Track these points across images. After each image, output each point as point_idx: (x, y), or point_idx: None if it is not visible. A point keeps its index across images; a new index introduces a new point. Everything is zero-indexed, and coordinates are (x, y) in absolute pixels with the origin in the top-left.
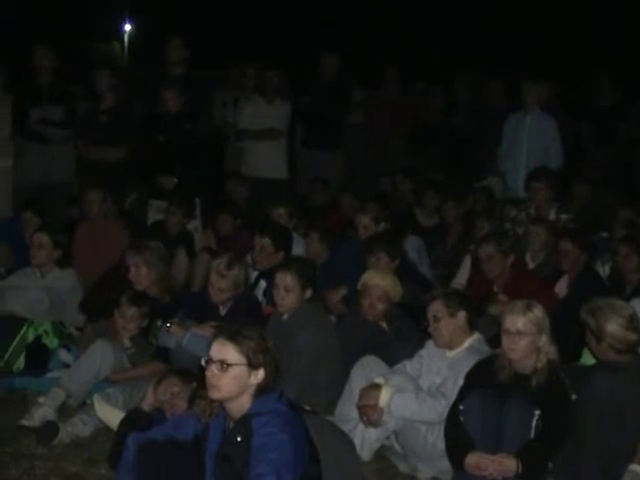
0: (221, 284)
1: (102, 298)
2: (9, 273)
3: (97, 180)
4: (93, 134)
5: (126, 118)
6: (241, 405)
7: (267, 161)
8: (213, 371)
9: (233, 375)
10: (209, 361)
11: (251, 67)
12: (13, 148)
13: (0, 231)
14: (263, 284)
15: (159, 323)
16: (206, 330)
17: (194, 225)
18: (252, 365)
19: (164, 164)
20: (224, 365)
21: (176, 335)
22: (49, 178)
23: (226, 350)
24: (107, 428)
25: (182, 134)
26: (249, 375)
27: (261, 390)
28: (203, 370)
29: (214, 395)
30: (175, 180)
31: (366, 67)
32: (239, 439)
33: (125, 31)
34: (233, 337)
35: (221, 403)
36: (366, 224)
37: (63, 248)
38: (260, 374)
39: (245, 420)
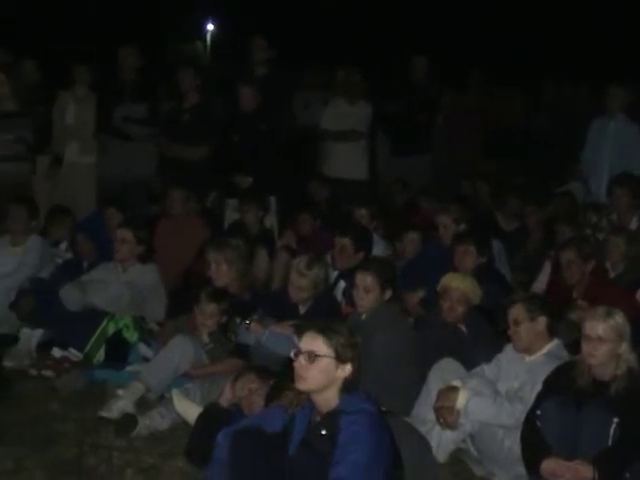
0: (301, 283)
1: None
2: (91, 267)
3: (179, 178)
4: (176, 132)
5: (208, 117)
6: (327, 399)
7: (347, 162)
8: (301, 362)
9: (321, 367)
10: (298, 352)
11: (341, 69)
12: (96, 145)
13: (84, 226)
14: (342, 284)
15: (238, 320)
16: (285, 328)
17: (270, 222)
18: (340, 359)
19: (240, 163)
20: (312, 356)
21: (255, 332)
22: (131, 175)
23: (315, 342)
24: (185, 422)
25: (256, 134)
26: (336, 368)
27: (348, 385)
28: (291, 362)
29: (301, 386)
30: (250, 179)
31: (449, 70)
32: (324, 432)
33: (207, 30)
34: (323, 330)
35: (308, 395)
36: (447, 224)
37: (146, 244)
38: (347, 368)
39: (332, 416)
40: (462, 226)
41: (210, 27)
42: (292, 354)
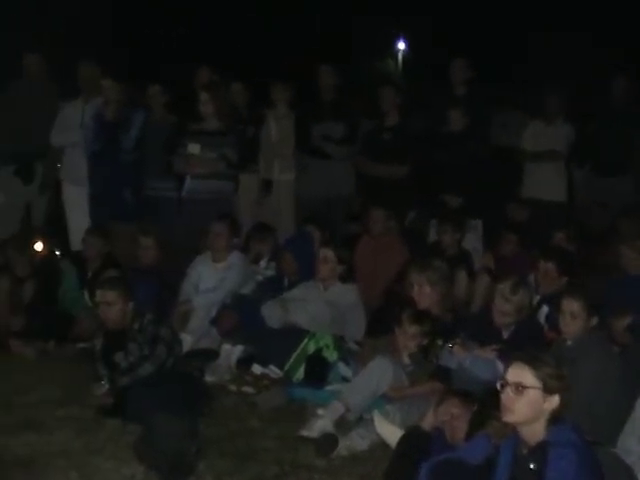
0: (505, 308)
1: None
2: (292, 285)
3: (379, 197)
4: (376, 151)
5: (409, 136)
6: (535, 431)
7: (546, 183)
8: (508, 394)
9: (528, 399)
10: (505, 384)
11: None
12: (295, 163)
13: (291, 244)
14: (545, 309)
15: (439, 342)
16: (489, 353)
17: (473, 245)
18: (547, 390)
19: (448, 183)
20: (519, 388)
21: (458, 356)
22: (329, 193)
23: (523, 373)
24: (384, 444)
25: (466, 154)
26: (544, 400)
27: (555, 418)
28: (494, 389)
29: (508, 418)
30: (459, 200)
31: None
32: (532, 467)
33: (399, 49)
34: (530, 361)
35: (513, 426)
36: (629, 255)
37: (347, 263)
38: (555, 400)
39: (541, 448)
40: None
41: (401, 45)
42: (498, 385)
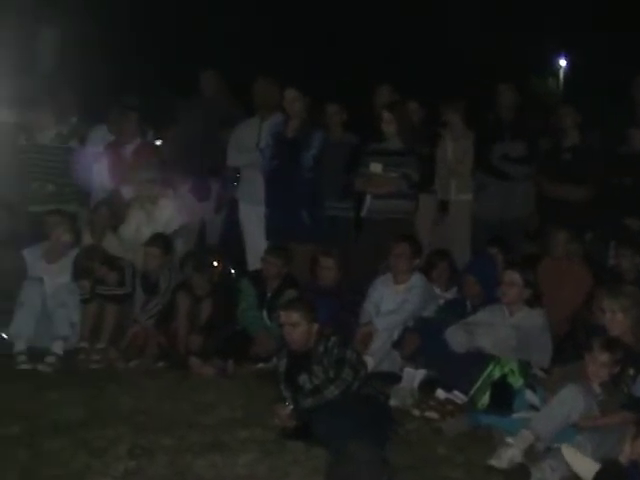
0: None
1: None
2: (475, 309)
3: (559, 218)
4: (556, 171)
5: (591, 156)
6: None
7: None
8: None
9: None
10: None
11: None
12: (473, 183)
13: (473, 267)
14: None
15: (631, 371)
16: None
17: None
18: None
19: (631, 206)
20: None
21: None
22: (506, 214)
23: None
24: (575, 477)
25: None
26: None
27: None
28: None
29: None
30: None
31: None
32: None
33: (560, 66)
34: None
35: None
36: None
37: (533, 287)
38: None
39: None
40: None
41: (563, 62)
42: None
